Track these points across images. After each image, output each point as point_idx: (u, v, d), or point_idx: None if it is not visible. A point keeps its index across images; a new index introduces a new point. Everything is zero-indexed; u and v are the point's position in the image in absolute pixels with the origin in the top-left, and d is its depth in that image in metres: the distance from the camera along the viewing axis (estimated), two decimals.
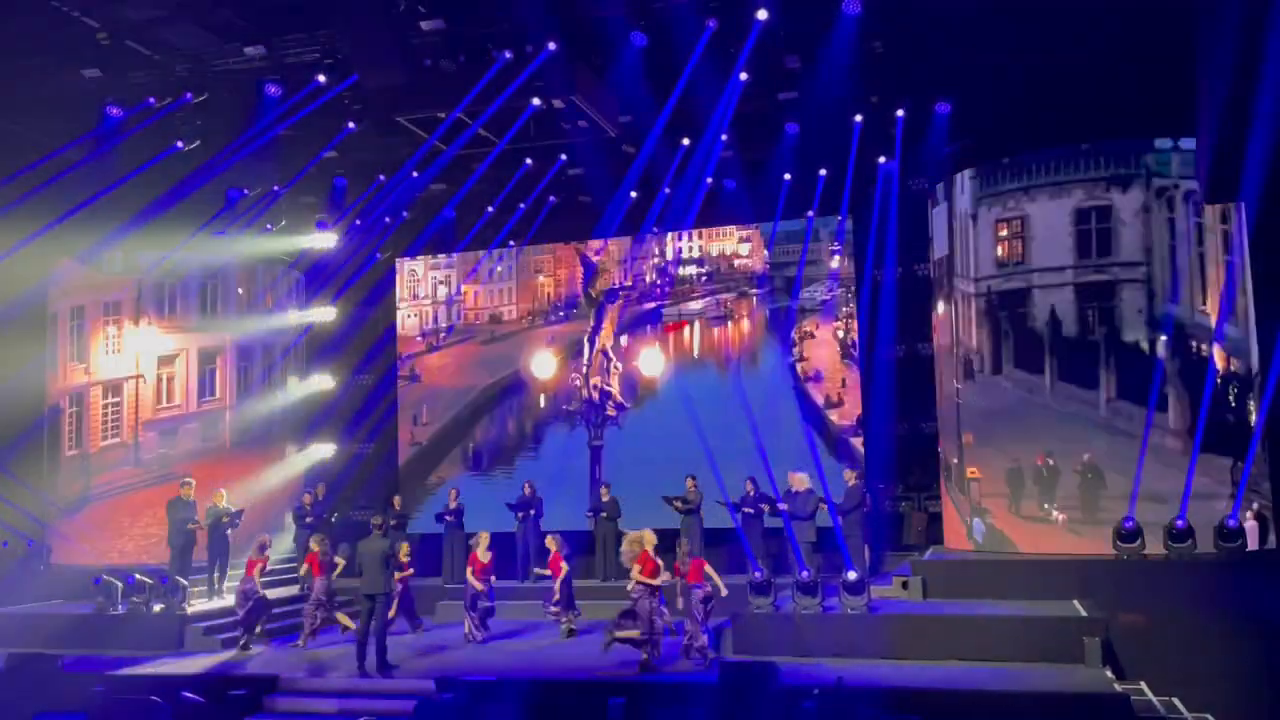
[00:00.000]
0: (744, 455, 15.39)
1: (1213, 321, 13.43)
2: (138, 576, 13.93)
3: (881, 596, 12.76)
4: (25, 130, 14.82)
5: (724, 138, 15.49)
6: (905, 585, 13.18)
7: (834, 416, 18.33)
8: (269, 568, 14.01)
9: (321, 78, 14.18)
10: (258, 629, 13.35)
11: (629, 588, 11.24)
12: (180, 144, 15.29)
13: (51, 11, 12.74)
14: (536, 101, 14.70)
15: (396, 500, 17.71)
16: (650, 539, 11.31)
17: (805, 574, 12.25)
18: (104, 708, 10.51)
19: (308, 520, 16.23)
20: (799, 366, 18.71)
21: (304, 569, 14.05)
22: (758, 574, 12.49)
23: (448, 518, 16.90)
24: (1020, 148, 14.42)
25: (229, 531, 15.11)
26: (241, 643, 13.10)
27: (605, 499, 16.73)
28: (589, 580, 16.19)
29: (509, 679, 10.64)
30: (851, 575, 12.14)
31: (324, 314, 19.36)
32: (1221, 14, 10.18)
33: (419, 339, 20.63)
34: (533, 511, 16.66)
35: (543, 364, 19.82)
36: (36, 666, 11.65)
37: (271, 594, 15.78)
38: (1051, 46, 12.88)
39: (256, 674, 11.77)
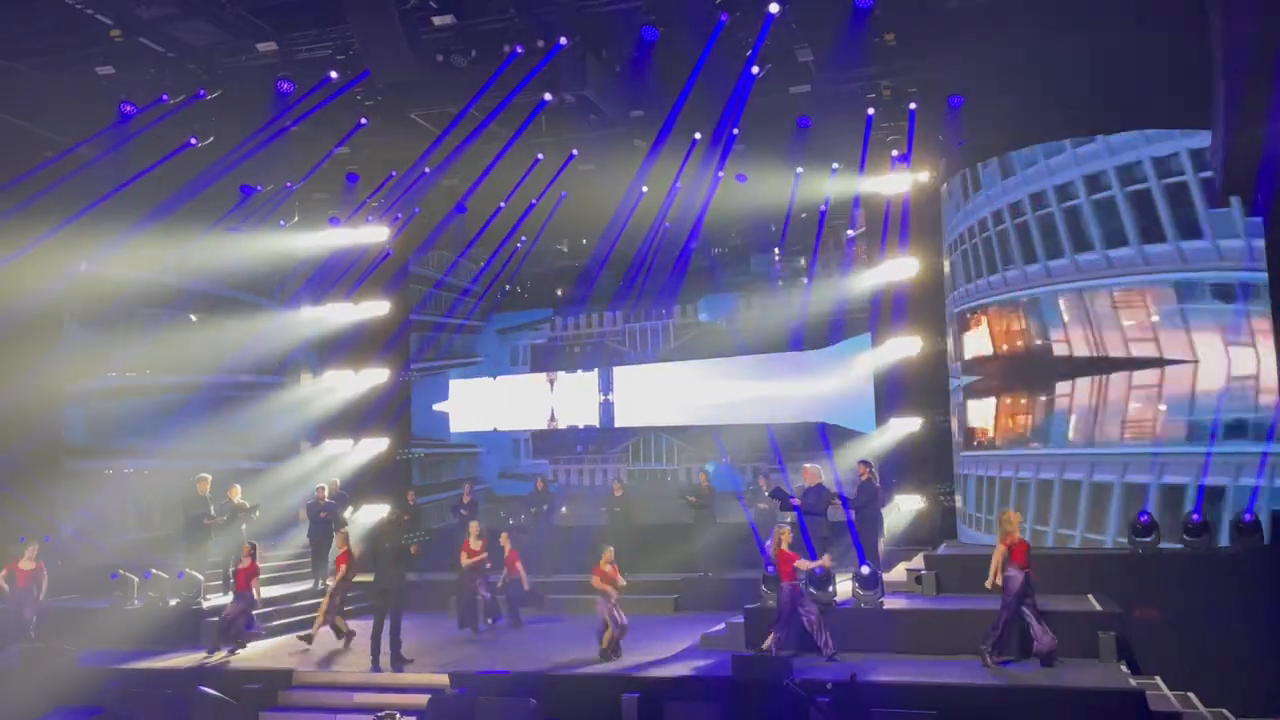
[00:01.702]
0: None
1: None
2: (154, 571, 14.02)
3: (895, 591, 12.73)
4: (40, 128, 14.87)
5: (736, 131, 15.45)
6: (919, 580, 13.14)
7: None
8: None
9: (333, 73, 14.19)
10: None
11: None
12: (194, 140, 15.35)
13: (65, 9, 12.78)
14: (548, 96, 14.70)
15: (410, 495, 17.77)
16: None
17: (818, 569, 12.23)
18: (120, 701, 10.61)
19: (321, 515, 16.29)
20: None
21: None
22: (770, 569, 12.48)
23: (462, 511, 16.95)
24: (1034, 140, 14.34)
25: (244, 526, 15.18)
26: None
27: (618, 493, 16.76)
28: None
29: (524, 674, 10.66)
30: (865, 570, 12.12)
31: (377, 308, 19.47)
32: (1239, 5, 10.09)
33: None
34: (545, 507, 16.70)
35: None
36: (53, 661, 11.74)
37: (284, 590, 15.94)
38: (1065, 38, 12.79)
39: (272, 668, 11.82)
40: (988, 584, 10.66)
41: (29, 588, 13.18)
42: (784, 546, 11.33)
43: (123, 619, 13.66)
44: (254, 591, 12.86)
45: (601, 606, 11.60)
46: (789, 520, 13.15)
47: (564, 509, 18.21)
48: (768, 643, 11.15)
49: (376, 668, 11.72)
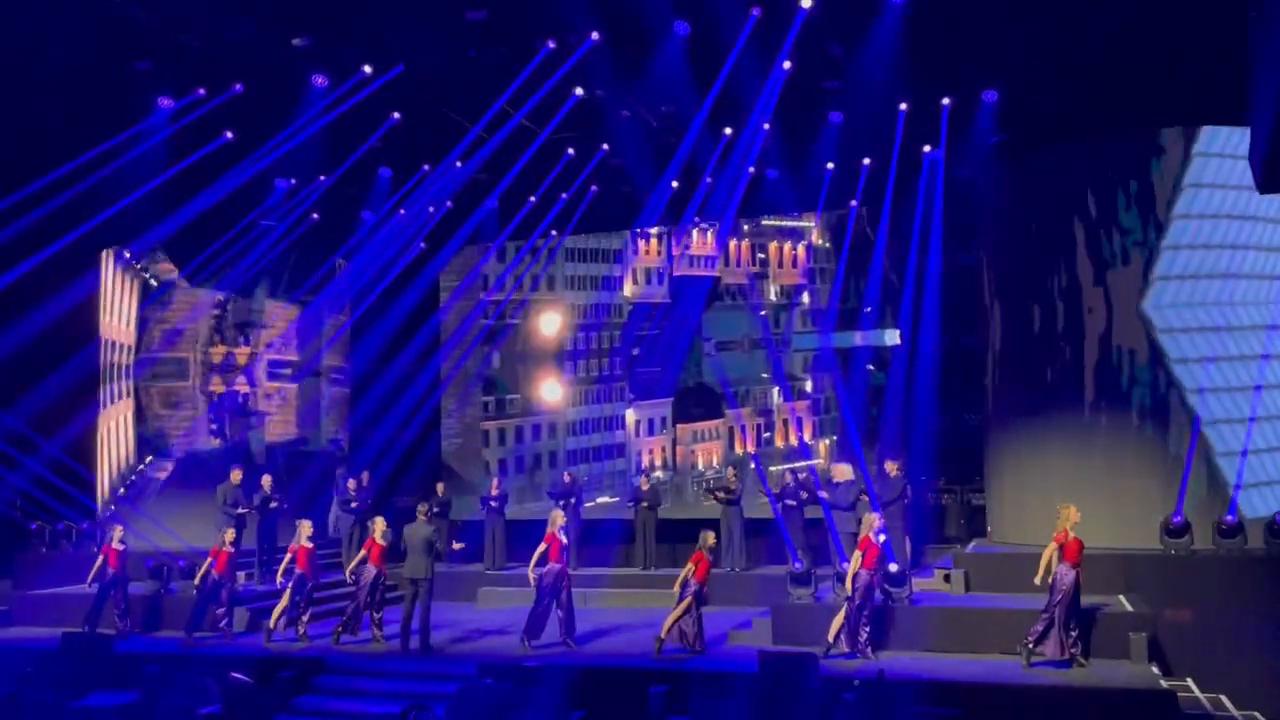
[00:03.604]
0: None
1: None
2: (189, 560, 14.24)
3: (923, 589, 12.69)
4: (77, 123, 15.09)
5: (766, 127, 15.42)
6: (947, 578, 13.10)
7: None
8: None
9: (367, 68, 14.32)
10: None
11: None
12: (229, 134, 15.53)
13: (102, 4, 12.95)
14: (579, 91, 14.74)
15: (440, 486, 17.90)
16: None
17: (845, 565, 12.22)
18: (155, 687, 10.78)
19: (352, 505, 16.45)
20: None
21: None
22: (798, 565, 12.51)
23: (491, 503, 17.07)
24: (1068, 136, 14.21)
25: (278, 517, 15.42)
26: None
27: (645, 488, 16.80)
28: (630, 569, 16.32)
29: (551, 665, 10.74)
30: (893, 567, 12.08)
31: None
32: None
33: None
34: (573, 500, 16.77)
35: None
36: (91, 646, 11.95)
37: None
38: (1101, 32, 12.65)
39: (304, 655, 11.98)
40: (1036, 580, 10.52)
41: (120, 569, 13.36)
42: (870, 534, 11.16)
43: (158, 606, 13.89)
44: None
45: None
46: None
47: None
48: (834, 632, 11.08)
49: (406, 656, 11.84)
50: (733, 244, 19.15)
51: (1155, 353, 13.49)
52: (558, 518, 12.44)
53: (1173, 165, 13.70)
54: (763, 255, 19.01)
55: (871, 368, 17.37)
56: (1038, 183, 14.77)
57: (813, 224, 18.70)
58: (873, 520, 11.36)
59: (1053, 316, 14.42)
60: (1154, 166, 13.77)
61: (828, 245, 18.58)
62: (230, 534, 13.36)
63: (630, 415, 19.44)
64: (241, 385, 18.75)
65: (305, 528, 12.95)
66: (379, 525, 12.66)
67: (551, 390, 19.94)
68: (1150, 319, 13.54)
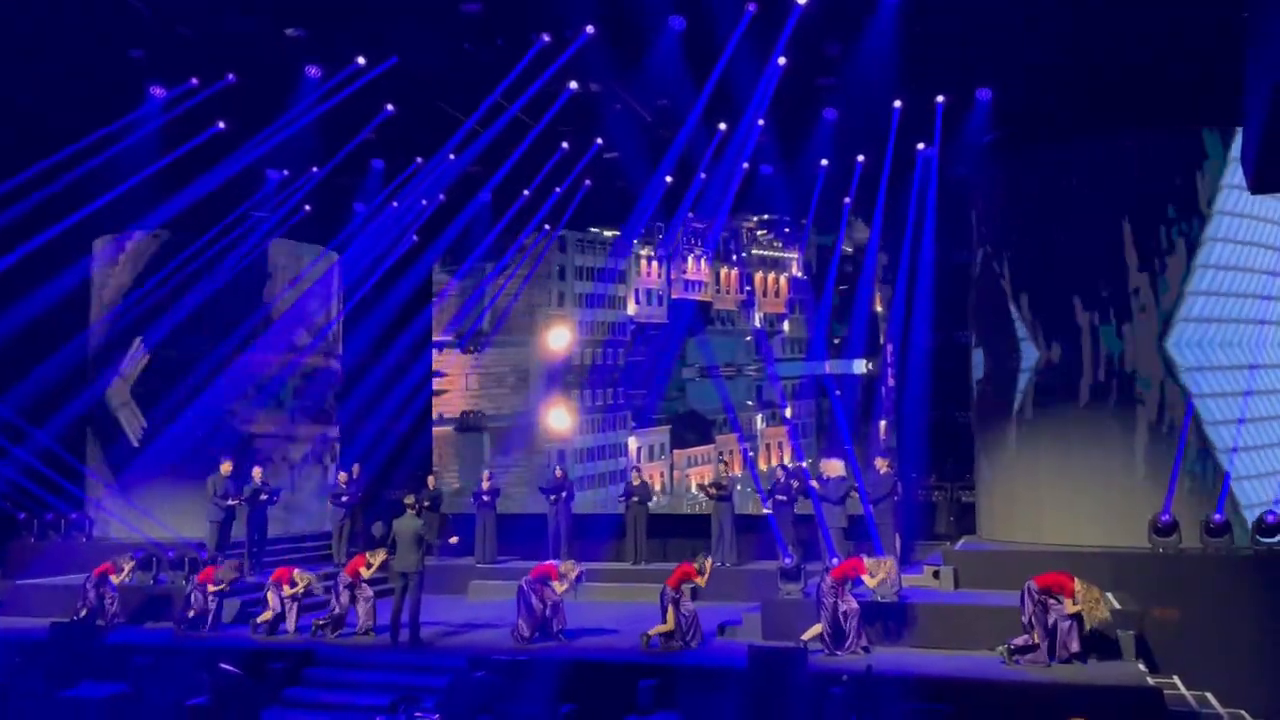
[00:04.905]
0: None
1: None
2: (177, 552, 14.21)
3: (913, 586, 12.73)
4: (70, 110, 15.03)
5: (761, 123, 15.43)
6: (937, 575, 13.14)
7: None
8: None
9: (361, 60, 14.28)
10: None
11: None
12: (221, 124, 15.48)
13: None
14: (574, 85, 14.73)
15: (431, 480, 17.89)
16: None
17: (835, 560, 12.28)
18: (144, 678, 10.77)
19: (343, 499, 16.44)
20: None
21: None
22: (788, 560, 12.52)
23: (484, 498, 17.07)
24: (1063, 136, 14.22)
25: (268, 509, 15.37)
26: None
27: (636, 483, 16.81)
28: (620, 563, 16.34)
29: (540, 658, 10.75)
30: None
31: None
32: None
33: None
34: (564, 494, 16.79)
35: None
36: (79, 636, 11.92)
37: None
38: (1096, 32, 12.69)
39: (294, 647, 11.96)
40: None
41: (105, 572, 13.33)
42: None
43: (147, 597, 13.85)
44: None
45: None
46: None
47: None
48: (811, 633, 11.11)
49: (396, 649, 11.84)
50: (723, 271, 19.41)
51: (1166, 365, 13.47)
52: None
53: (1215, 163, 13.62)
54: (750, 287, 19.22)
55: (839, 392, 17.61)
56: (1056, 177, 14.52)
57: (795, 255, 18.89)
58: None
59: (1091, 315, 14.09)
60: (1201, 168, 13.64)
61: (805, 277, 18.77)
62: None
63: (632, 442, 19.54)
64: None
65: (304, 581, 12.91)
66: (376, 555, 12.63)
67: (560, 418, 19.90)
68: (1170, 352, 13.52)
